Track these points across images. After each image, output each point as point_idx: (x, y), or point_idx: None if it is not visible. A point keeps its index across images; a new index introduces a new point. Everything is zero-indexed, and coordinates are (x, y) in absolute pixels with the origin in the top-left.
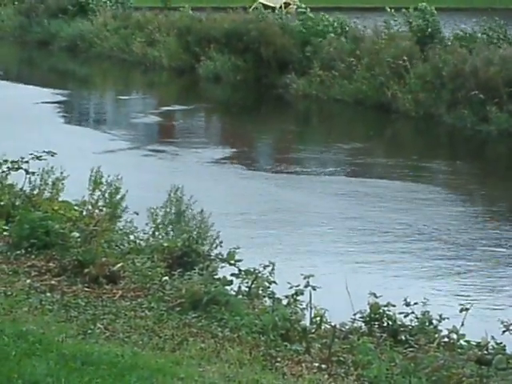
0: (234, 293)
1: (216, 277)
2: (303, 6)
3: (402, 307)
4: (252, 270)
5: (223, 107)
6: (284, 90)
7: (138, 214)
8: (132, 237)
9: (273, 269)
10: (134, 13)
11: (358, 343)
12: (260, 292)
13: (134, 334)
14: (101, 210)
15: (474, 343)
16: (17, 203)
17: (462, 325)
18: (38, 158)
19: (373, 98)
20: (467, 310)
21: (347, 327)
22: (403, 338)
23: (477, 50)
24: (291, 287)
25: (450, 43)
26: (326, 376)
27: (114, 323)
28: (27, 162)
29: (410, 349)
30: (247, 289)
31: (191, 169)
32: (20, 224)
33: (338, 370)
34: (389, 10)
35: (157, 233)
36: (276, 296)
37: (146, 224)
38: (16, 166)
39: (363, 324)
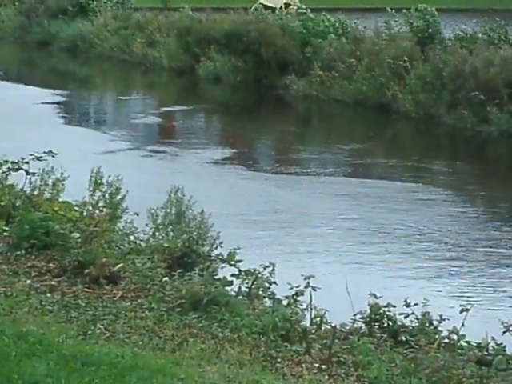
0: (234, 293)
1: (216, 277)
2: (303, 6)
3: (402, 308)
4: (252, 270)
5: (223, 108)
6: (284, 91)
7: (138, 214)
8: (132, 237)
9: (273, 269)
10: (134, 13)
11: (358, 344)
12: (260, 293)
13: (134, 335)
14: (101, 211)
15: (475, 344)
16: (17, 204)
17: (463, 325)
18: (38, 158)
19: (373, 98)
20: (467, 310)
21: (347, 328)
22: (403, 338)
23: (477, 51)
24: (291, 288)
25: (450, 44)
26: (327, 377)
27: (114, 324)
28: (27, 162)
29: (411, 349)
30: (247, 289)
31: (191, 169)
32: (20, 224)
33: (339, 371)
34: (390, 10)
35: (157, 233)
36: (276, 297)
37: (146, 225)
38: (16, 167)
39: (363, 325)
